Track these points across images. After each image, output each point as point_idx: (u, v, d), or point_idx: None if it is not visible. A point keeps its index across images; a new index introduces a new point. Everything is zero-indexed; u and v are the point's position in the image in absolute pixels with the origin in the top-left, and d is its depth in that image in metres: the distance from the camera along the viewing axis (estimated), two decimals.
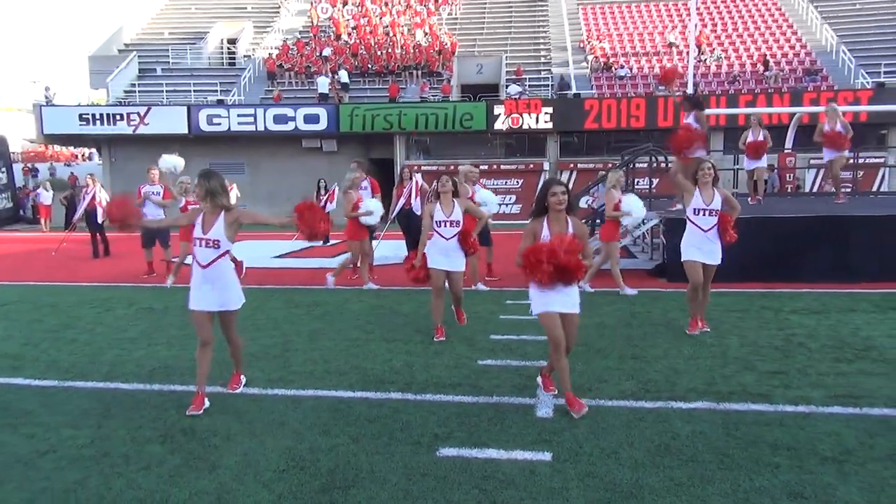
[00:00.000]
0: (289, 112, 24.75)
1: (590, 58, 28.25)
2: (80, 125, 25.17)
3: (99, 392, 5.28)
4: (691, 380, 5.32)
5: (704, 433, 4.25)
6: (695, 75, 20.20)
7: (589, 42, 29.27)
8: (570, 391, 4.64)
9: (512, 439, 4.22)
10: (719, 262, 6.66)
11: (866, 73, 24.71)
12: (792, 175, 17.71)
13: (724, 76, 26.27)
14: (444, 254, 6.74)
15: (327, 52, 28.96)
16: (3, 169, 26.35)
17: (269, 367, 5.86)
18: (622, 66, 27.45)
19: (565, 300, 4.59)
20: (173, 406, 4.87)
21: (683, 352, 6.13)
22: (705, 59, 27.00)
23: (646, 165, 12.97)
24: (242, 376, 5.32)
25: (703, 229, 6.55)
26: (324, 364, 5.91)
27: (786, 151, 16.62)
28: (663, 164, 12.43)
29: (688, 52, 27.44)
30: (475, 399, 4.95)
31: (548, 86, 26.77)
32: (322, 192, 15.99)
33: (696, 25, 18.76)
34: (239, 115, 24.83)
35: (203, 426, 4.48)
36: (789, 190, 17.33)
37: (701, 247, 6.59)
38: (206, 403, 4.80)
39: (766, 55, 27.04)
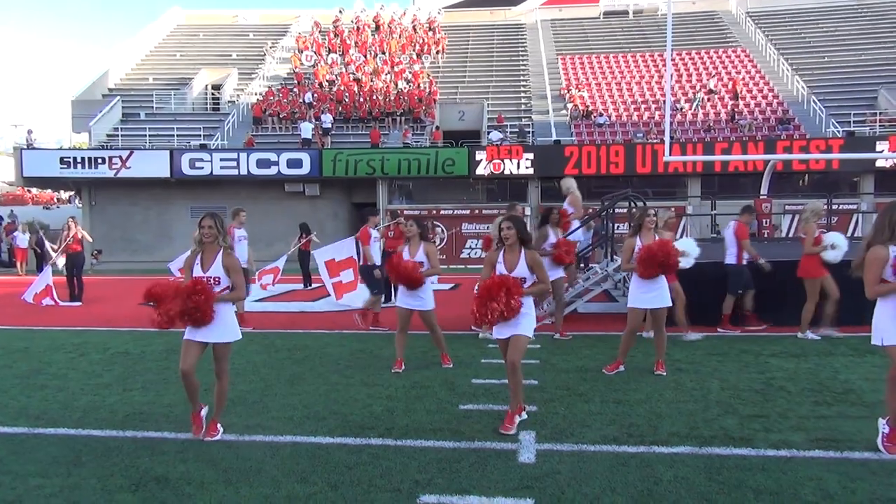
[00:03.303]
0: (272, 156, 24.87)
1: (569, 106, 28.87)
2: (61, 168, 25.05)
3: (70, 439, 5.13)
4: (673, 424, 5.29)
5: (687, 478, 4.21)
6: (672, 123, 20.69)
7: (568, 91, 29.95)
8: (511, 410, 5.19)
9: (493, 486, 4.15)
10: (668, 304, 7.01)
11: (837, 122, 25.48)
12: (768, 221, 18.01)
13: (700, 124, 26.94)
14: (408, 293, 7.15)
15: (309, 97, 29.32)
16: None
17: (246, 412, 5.74)
18: (601, 114, 28.08)
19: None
20: (147, 453, 4.75)
21: (665, 395, 6.12)
22: (681, 108, 27.70)
23: (625, 211, 13.16)
24: (220, 425, 5.16)
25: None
26: (303, 409, 5.81)
27: (761, 197, 16.94)
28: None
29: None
30: (456, 444, 4.88)
31: (528, 132, 27.24)
32: (303, 235, 15.98)
33: (671, 75, 19.35)
34: (222, 160, 24.89)
35: (177, 474, 4.36)
36: (766, 235, 17.59)
37: (646, 292, 6.89)
38: (205, 410, 5.15)
39: (740, 104, 27.81)
